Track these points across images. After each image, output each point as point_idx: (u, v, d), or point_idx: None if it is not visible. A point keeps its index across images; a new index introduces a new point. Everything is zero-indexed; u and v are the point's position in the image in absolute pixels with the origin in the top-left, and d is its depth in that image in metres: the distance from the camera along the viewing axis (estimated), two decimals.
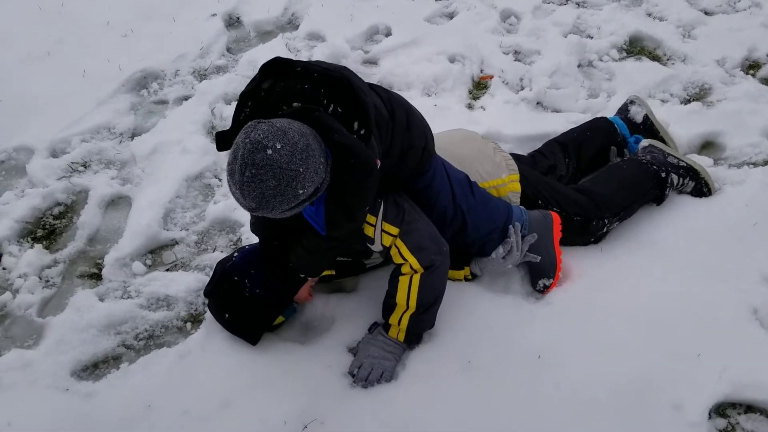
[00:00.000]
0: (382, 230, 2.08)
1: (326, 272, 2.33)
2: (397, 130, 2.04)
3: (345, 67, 1.88)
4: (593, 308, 2.27)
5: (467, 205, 2.26)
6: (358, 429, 1.99)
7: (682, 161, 2.65)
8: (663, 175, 2.59)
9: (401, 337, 2.17)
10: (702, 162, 2.78)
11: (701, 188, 2.64)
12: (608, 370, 2.08)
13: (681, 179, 2.61)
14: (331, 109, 1.79)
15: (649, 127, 2.88)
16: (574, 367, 2.09)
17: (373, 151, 1.82)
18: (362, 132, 1.80)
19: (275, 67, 1.85)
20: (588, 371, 2.08)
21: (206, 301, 2.37)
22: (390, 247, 2.10)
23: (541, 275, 2.37)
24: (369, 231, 2.08)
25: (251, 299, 2.20)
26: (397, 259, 2.11)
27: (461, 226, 2.26)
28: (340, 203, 1.85)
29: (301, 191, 1.68)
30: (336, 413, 2.03)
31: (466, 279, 2.39)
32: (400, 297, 2.12)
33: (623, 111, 2.96)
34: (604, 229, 2.50)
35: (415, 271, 2.10)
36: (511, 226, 2.30)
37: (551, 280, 2.35)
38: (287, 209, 1.71)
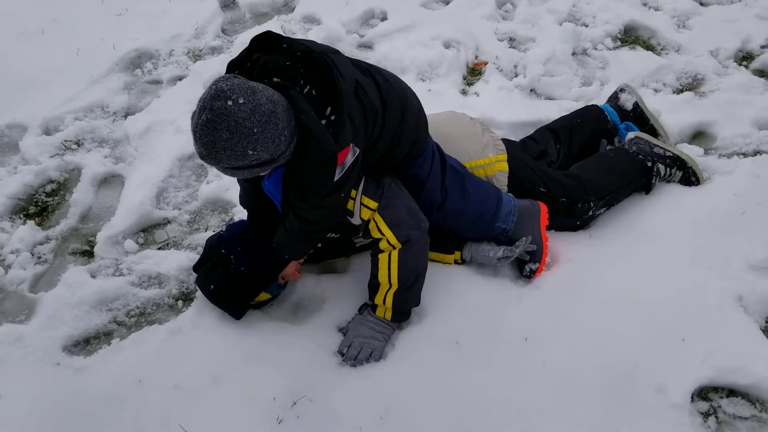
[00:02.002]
0: (361, 203, 2.09)
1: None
2: (388, 123, 2.04)
3: (333, 50, 1.89)
4: (581, 292, 2.30)
5: (457, 191, 2.28)
6: (347, 406, 2.01)
7: (669, 151, 2.67)
8: (649, 164, 2.62)
9: (388, 315, 2.19)
10: (690, 152, 2.80)
11: (689, 177, 2.66)
12: (594, 352, 2.11)
13: (668, 169, 2.63)
14: (306, 90, 1.80)
15: (639, 115, 2.90)
16: (560, 349, 2.12)
17: (344, 138, 1.83)
18: (332, 118, 1.80)
19: (266, 41, 1.87)
20: (574, 353, 2.11)
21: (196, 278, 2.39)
22: (368, 221, 2.12)
23: (527, 260, 2.40)
24: (349, 204, 2.10)
25: (236, 274, 2.22)
26: (375, 234, 2.13)
27: (451, 210, 2.29)
28: (296, 182, 1.86)
29: (251, 152, 1.68)
30: (325, 391, 2.05)
31: (455, 262, 2.41)
32: (382, 275, 2.15)
33: (613, 99, 2.98)
34: (590, 213, 2.52)
35: (393, 247, 2.12)
36: (524, 238, 2.33)
37: (537, 265, 2.37)
38: (234, 167, 1.73)
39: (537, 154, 2.66)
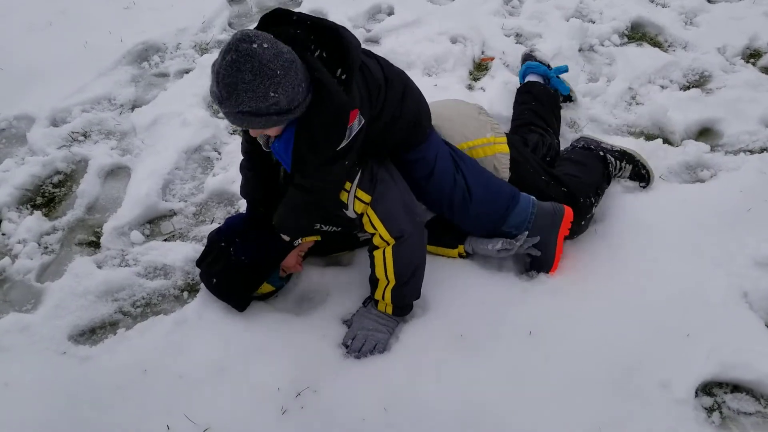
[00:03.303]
0: (356, 197, 2.10)
1: (312, 238, 2.33)
2: (390, 98, 2.08)
3: (342, 26, 1.93)
4: (585, 287, 2.30)
5: (469, 183, 2.27)
6: (351, 398, 2.02)
7: (615, 147, 2.70)
8: (602, 154, 2.64)
9: (389, 310, 2.20)
10: (695, 148, 2.83)
11: (639, 170, 2.67)
12: (598, 347, 2.11)
13: (617, 162, 2.64)
14: (317, 54, 1.86)
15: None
16: (564, 343, 2.13)
17: (353, 99, 1.88)
18: (343, 77, 1.86)
19: (274, 18, 1.91)
20: (578, 347, 2.11)
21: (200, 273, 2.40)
22: (362, 214, 2.13)
23: (536, 267, 2.39)
24: (344, 197, 2.11)
25: (237, 266, 2.22)
26: (369, 228, 2.14)
27: (461, 203, 2.27)
28: (308, 132, 1.89)
29: (272, 94, 1.73)
30: (329, 382, 2.06)
31: (460, 256, 2.41)
32: (379, 272, 2.16)
33: (530, 57, 3.12)
34: (593, 210, 2.51)
35: (387, 243, 2.13)
36: (524, 235, 2.31)
37: (547, 271, 2.38)
38: (253, 110, 1.75)
39: (533, 146, 2.66)
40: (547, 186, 2.45)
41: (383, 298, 2.19)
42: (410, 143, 2.21)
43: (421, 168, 2.23)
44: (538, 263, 2.38)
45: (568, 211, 2.36)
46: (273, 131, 1.93)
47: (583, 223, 2.49)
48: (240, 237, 2.25)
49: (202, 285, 2.36)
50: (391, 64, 2.17)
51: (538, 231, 2.33)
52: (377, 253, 2.15)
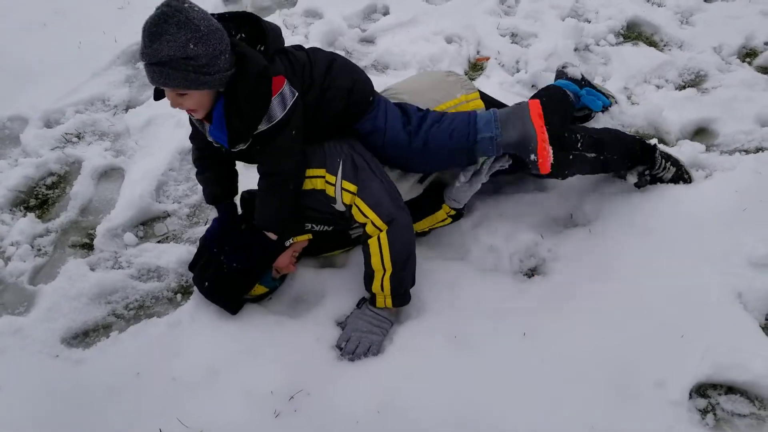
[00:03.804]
0: (342, 188, 2.14)
1: (303, 237, 2.31)
2: (317, 73, 2.17)
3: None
4: (580, 287, 2.30)
5: (426, 126, 2.25)
6: (345, 400, 2.01)
7: (662, 148, 2.70)
8: (650, 144, 2.63)
9: (389, 302, 2.19)
10: (692, 149, 2.83)
11: (682, 175, 2.66)
12: (593, 348, 2.10)
13: (663, 160, 2.63)
14: (238, 37, 2.03)
15: (587, 82, 3.00)
16: (559, 344, 2.12)
17: (275, 66, 2.05)
18: (262, 49, 2.04)
19: None
20: (572, 348, 2.11)
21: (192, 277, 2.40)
22: (351, 205, 2.16)
23: (524, 154, 2.21)
24: (330, 190, 2.15)
25: (229, 273, 2.21)
26: (359, 218, 2.16)
27: (424, 152, 2.24)
28: (235, 104, 1.98)
29: (192, 46, 1.83)
30: (323, 385, 2.05)
31: (451, 218, 2.38)
32: (375, 261, 2.16)
33: (562, 75, 3.06)
34: (579, 146, 2.47)
35: (379, 230, 2.14)
36: (481, 159, 2.26)
37: (535, 154, 2.17)
38: (170, 59, 1.84)
39: None
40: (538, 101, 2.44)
41: (382, 289, 2.18)
42: (355, 114, 2.24)
43: (376, 138, 2.25)
44: (524, 148, 2.19)
45: (532, 102, 2.26)
46: (191, 101, 1.98)
47: (571, 157, 2.44)
48: (229, 242, 2.23)
49: (195, 288, 2.36)
50: (319, 49, 2.30)
51: (511, 122, 2.23)
52: (372, 242, 2.16)
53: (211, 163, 2.35)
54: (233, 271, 2.20)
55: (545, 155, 2.18)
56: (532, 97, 2.89)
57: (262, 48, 2.04)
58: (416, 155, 2.26)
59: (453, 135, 2.23)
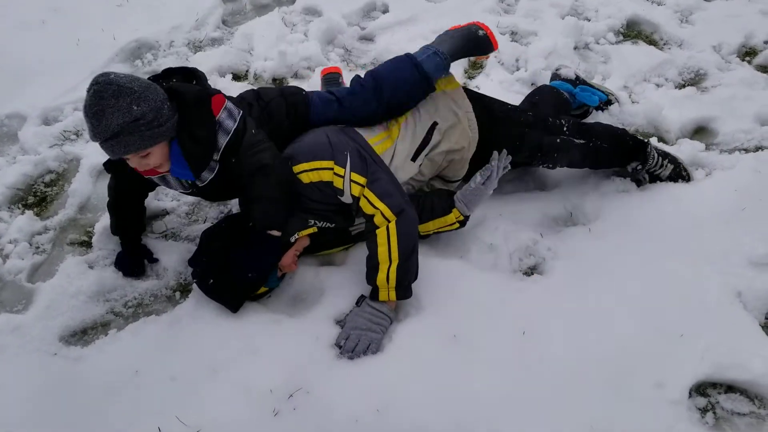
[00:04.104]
0: (351, 180, 2.17)
1: (307, 231, 2.30)
2: (248, 95, 2.36)
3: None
4: (579, 287, 2.30)
5: (366, 76, 2.45)
6: (344, 399, 2.00)
7: (659, 146, 2.72)
8: (646, 141, 2.65)
9: (392, 295, 2.19)
10: (691, 148, 2.83)
11: (681, 172, 2.67)
12: (592, 347, 2.10)
13: (660, 159, 2.63)
14: (170, 83, 2.15)
15: (582, 81, 3.04)
16: (558, 343, 2.12)
17: (209, 88, 2.19)
18: (194, 82, 2.19)
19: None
20: (572, 347, 2.11)
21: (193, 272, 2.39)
22: (359, 198, 2.18)
23: (475, 42, 2.52)
24: (338, 182, 2.18)
25: (240, 278, 2.21)
26: (368, 209, 2.19)
27: (374, 89, 2.39)
28: (188, 134, 2.08)
29: (135, 107, 1.94)
30: (322, 383, 2.05)
31: (459, 223, 2.38)
32: (382, 252, 2.17)
33: (555, 77, 3.10)
34: (565, 130, 2.54)
35: (388, 221, 2.16)
36: (495, 152, 2.37)
37: (483, 31, 2.50)
38: (122, 125, 1.93)
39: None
40: (514, 111, 2.55)
41: (387, 281, 2.18)
42: (303, 107, 2.38)
43: (333, 107, 2.39)
44: (482, 48, 2.53)
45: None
46: (155, 158, 2.07)
47: (558, 141, 2.52)
48: (237, 247, 2.21)
49: (195, 285, 2.35)
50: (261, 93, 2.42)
51: (448, 40, 2.51)
52: (380, 232, 2.17)
53: (129, 209, 2.49)
54: (243, 275, 2.20)
55: (491, 32, 2.50)
56: (525, 99, 2.93)
57: (194, 81, 2.20)
58: (374, 97, 2.39)
59: (397, 64, 2.44)
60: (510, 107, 2.59)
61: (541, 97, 2.88)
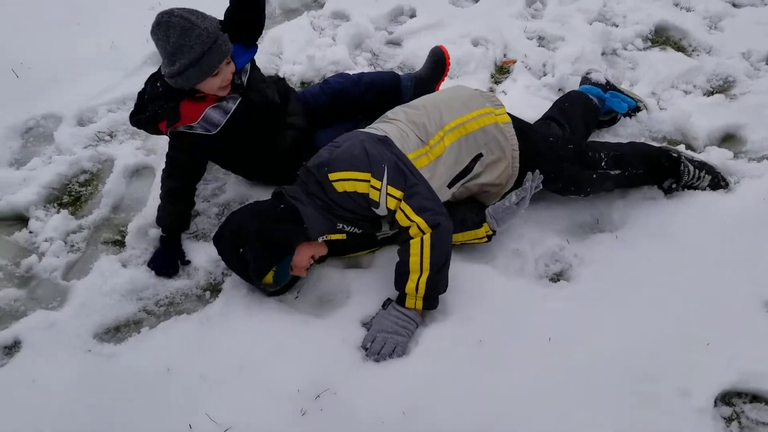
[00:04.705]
0: (387, 194, 2.17)
1: (335, 236, 2.34)
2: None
3: None
4: (606, 293, 2.30)
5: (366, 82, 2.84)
6: (370, 401, 2.03)
7: (696, 157, 2.68)
8: (675, 156, 2.62)
9: (419, 304, 2.20)
10: (719, 155, 2.81)
11: (719, 182, 2.64)
12: (618, 354, 2.11)
13: (697, 171, 2.61)
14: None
15: (612, 86, 3.03)
16: (584, 350, 2.13)
17: None
18: None
19: None
20: (598, 354, 2.11)
21: (226, 271, 2.44)
22: (395, 210, 2.18)
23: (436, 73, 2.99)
24: (374, 195, 2.17)
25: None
26: (404, 222, 2.19)
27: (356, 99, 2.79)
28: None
29: (202, 24, 2.26)
30: (348, 385, 2.08)
31: (487, 237, 2.41)
32: (413, 261, 2.17)
33: (585, 81, 3.09)
34: (603, 164, 2.52)
35: (424, 232, 2.17)
36: (530, 173, 2.37)
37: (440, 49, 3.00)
38: (207, 41, 2.24)
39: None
40: (555, 145, 2.53)
41: (416, 290, 2.19)
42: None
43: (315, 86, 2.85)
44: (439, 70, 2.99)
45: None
46: (232, 64, 2.40)
47: (594, 176, 2.53)
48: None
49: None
50: None
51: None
52: (414, 242, 2.18)
53: (182, 195, 2.62)
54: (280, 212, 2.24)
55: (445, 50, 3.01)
56: (554, 104, 2.93)
57: None
58: (355, 78, 2.83)
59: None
60: (552, 140, 2.56)
61: (570, 103, 2.88)
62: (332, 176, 2.20)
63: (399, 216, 2.19)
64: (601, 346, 2.14)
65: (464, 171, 2.41)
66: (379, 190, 2.17)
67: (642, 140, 3.00)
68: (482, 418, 1.98)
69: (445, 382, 2.07)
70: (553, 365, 2.09)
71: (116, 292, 2.41)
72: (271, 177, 2.70)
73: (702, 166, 2.64)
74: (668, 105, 3.19)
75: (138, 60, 3.55)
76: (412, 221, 2.17)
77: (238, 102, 2.46)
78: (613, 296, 2.29)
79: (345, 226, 2.31)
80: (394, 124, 2.41)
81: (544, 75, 3.41)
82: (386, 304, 2.29)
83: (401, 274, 2.22)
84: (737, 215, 2.52)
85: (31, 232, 2.70)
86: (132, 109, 2.52)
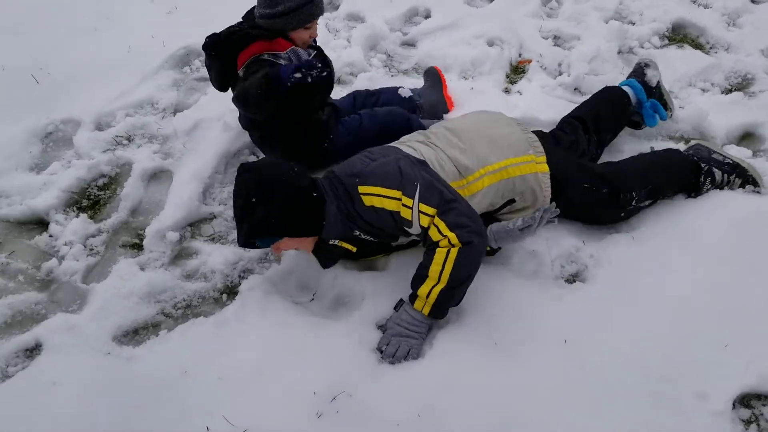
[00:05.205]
0: (420, 211, 2.13)
1: (346, 245, 2.35)
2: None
3: None
4: (622, 294, 2.29)
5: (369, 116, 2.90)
6: (386, 403, 2.04)
7: (728, 158, 2.64)
8: (703, 165, 2.58)
9: (426, 310, 2.19)
10: (739, 154, 2.76)
11: (750, 184, 2.62)
12: (634, 356, 2.10)
13: (725, 176, 2.59)
14: None
15: (658, 95, 2.93)
16: (599, 352, 2.12)
17: None
18: None
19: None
20: (613, 356, 2.10)
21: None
22: (428, 227, 2.14)
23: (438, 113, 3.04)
24: (406, 213, 2.15)
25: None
26: (436, 236, 2.14)
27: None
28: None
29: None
30: (364, 387, 2.08)
31: (491, 249, 2.39)
32: (434, 269, 2.14)
33: (639, 74, 2.95)
34: (633, 203, 2.50)
35: (453, 246, 2.12)
36: (542, 207, 2.30)
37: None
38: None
39: (568, 144, 2.65)
40: (590, 191, 2.46)
41: (427, 296, 2.17)
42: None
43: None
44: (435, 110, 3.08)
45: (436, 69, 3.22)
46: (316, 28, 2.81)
47: (623, 214, 2.53)
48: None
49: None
50: None
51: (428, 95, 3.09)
52: (440, 251, 2.14)
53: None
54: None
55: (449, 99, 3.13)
56: (591, 104, 2.86)
57: None
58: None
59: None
60: (587, 187, 2.47)
61: (604, 106, 2.83)
62: (362, 189, 2.20)
63: (432, 232, 2.14)
64: (617, 347, 2.13)
65: (495, 211, 2.42)
66: (411, 208, 2.13)
67: (659, 139, 2.99)
68: (497, 419, 1.98)
69: (460, 383, 2.07)
70: (569, 367, 2.09)
71: (134, 294, 2.44)
72: (288, 146, 2.78)
73: (733, 169, 2.61)
74: (686, 103, 3.17)
75: (155, 64, 3.58)
76: (445, 236, 2.12)
77: (314, 54, 2.77)
78: (630, 297, 2.28)
79: (362, 234, 2.31)
80: (434, 151, 2.39)
81: (560, 74, 3.39)
82: (398, 305, 2.28)
83: (420, 276, 2.20)
84: (756, 215, 2.50)
85: (51, 236, 2.74)
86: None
